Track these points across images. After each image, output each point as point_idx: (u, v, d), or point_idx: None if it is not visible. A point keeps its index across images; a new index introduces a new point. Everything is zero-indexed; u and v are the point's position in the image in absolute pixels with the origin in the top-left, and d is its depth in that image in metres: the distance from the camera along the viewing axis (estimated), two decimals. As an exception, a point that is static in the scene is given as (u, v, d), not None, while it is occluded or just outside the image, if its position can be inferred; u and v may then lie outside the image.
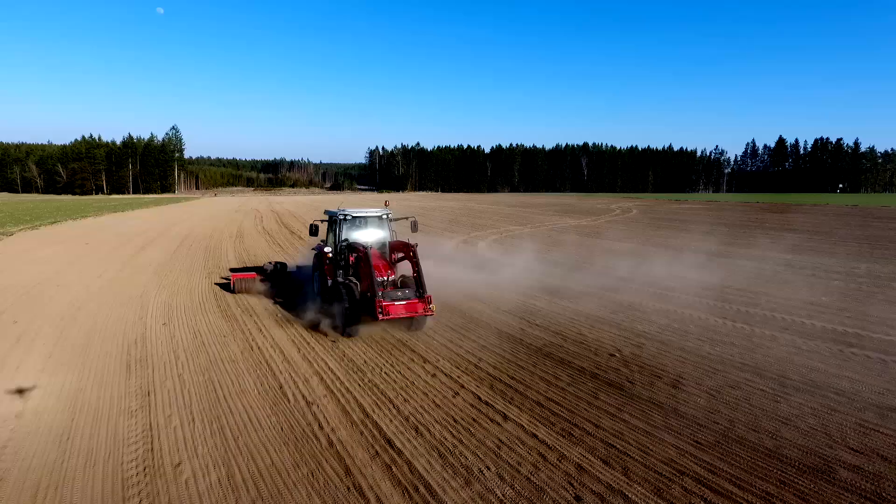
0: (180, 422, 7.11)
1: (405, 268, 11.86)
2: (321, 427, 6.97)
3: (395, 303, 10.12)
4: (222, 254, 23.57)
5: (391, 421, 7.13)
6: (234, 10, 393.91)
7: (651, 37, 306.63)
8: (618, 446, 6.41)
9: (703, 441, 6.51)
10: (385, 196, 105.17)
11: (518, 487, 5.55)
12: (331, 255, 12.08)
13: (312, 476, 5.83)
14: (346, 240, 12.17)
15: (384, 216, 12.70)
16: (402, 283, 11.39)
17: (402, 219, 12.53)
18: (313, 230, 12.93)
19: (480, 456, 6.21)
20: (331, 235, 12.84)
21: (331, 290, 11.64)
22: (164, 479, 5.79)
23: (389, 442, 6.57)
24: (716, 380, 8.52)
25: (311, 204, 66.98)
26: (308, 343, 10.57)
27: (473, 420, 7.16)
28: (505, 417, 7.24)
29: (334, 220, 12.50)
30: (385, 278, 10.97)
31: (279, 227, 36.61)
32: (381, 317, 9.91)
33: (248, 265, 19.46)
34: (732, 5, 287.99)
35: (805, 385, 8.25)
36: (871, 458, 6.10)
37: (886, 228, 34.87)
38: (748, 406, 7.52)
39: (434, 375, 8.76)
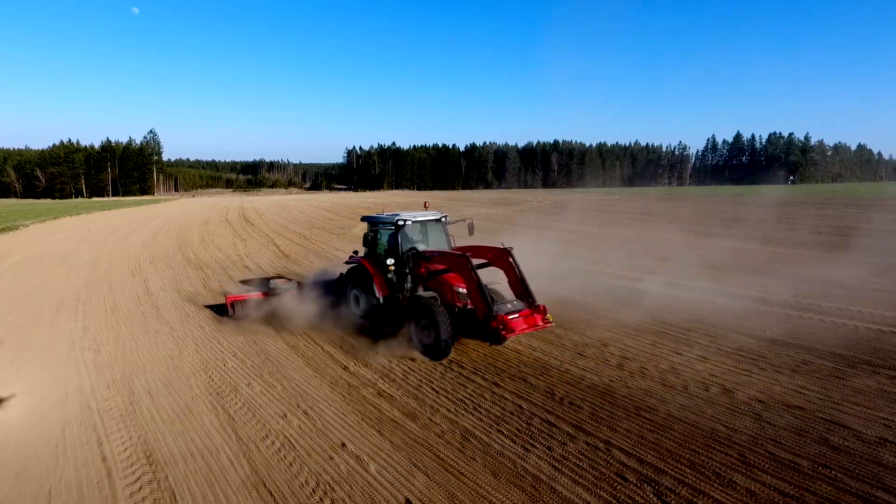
0: (159, 284, 17.23)
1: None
2: (208, 276, 17.04)
3: (509, 316, 9.10)
4: (190, 235, 33.46)
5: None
6: (210, 10, 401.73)
7: (621, 36, 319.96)
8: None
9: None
10: (365, 195, 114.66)
11: None
12: (393, 266, 10.84)
13: (205, 283, 15.90)
14: (414, 248, 11.07)
15: (442, 220, 11.73)
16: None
17: (458, 221, 12.18)
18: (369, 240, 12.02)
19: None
20: (379, 244, 11.82)
21: (398, 307, 10.67)
22: (153, 297, 15.84)
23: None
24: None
25: (279, 203, 76.69)
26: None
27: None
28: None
29: (396, 227, 10.96)
30: (465, 290, 9.88)
31: (239, 218, 46.53)
32: (506, 335, 8.91)
33: (249, 279, 17.70)
34: (693, 7, 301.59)
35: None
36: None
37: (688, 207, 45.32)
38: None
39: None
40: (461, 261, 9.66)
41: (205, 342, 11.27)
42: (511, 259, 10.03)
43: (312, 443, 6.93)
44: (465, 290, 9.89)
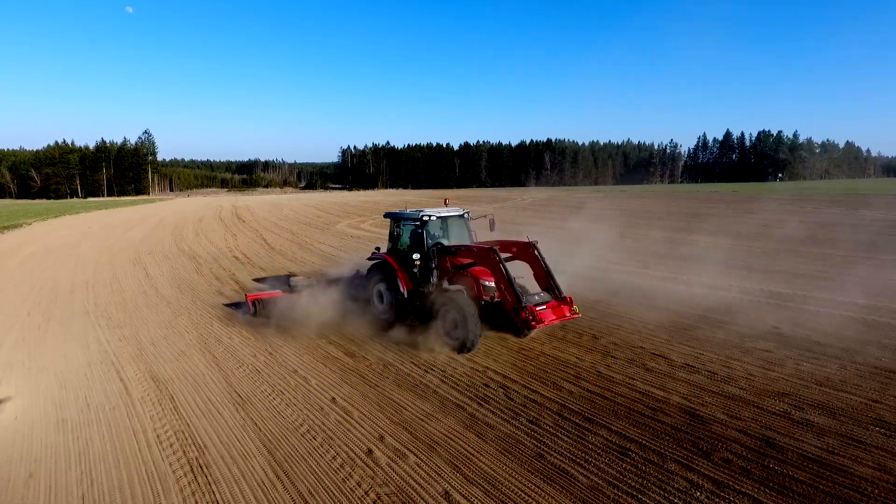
0: (157, 271, 19.84)
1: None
2: (200, 265, 19.63)
3: (537, 308, 9.49)
4: (185, 231, 36.05)
5: (237, 269, 19.84)
6: (205, 10, 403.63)
7: (612, 37, 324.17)
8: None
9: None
10: (357, 194, 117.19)
11: None
12: (419, 261, 11.07)
13: (197, 271, 18.50)
14: (440, 243, 11.41)
15: (465, 215, 12.16)
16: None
17: (479, 218, 12.54)
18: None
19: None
20: (402, 240, 12.07)
21: (423, 301, 10.87)
22: (152, 280, 18.46)
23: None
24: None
25: (272, 201, 79.22)
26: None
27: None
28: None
29: (422, 223, 11.26)
30: (490, 283, 10.28)
31: (232, 216, 49.13)
32: (536, 325, 9.31)
33: (268, 276, 18.18)
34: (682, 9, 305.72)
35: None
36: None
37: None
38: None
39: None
40: (489, 254, 9.95)
41: (196, 311, 13.90)
42: (536, 252, 10.42)
43: (272, 370, 9.57)
44: (491, 284, 10.24)
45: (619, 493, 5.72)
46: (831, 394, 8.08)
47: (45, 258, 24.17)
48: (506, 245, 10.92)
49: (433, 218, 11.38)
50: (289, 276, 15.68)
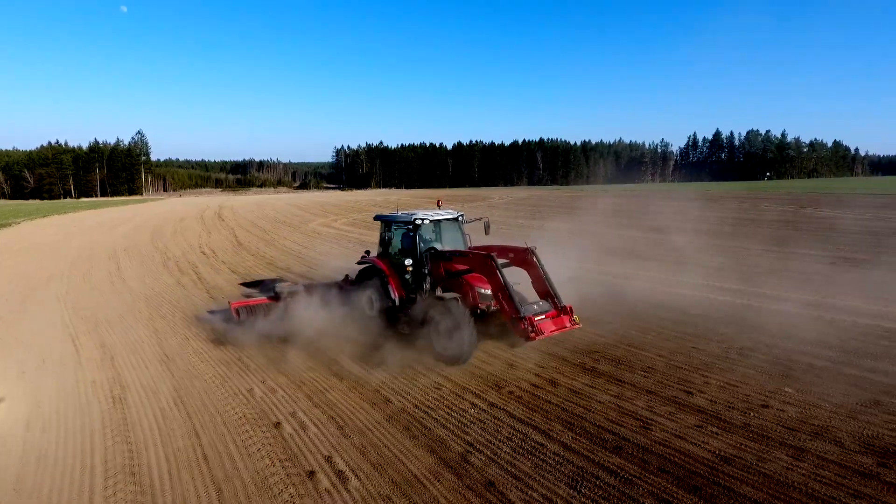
0: (128, 264, 22.13)
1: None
2: (169, 259, 21.88)
3: (536, 318, 9.12)
4: (164, 230, 38.31)
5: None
6: (200, 9, 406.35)
7: (605, 37, 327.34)
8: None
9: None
10: (346, 194, 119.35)
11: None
12: (411, 267, 10.61)
13: (164, 267, 20.76)
14: (433, 248, 11.04)
15: (459, 218, 11.72)
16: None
17: (475, 220, 12.21)
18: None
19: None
20: (393, 244, 11.68)
21: (415, 308, 10.43)
22: (122, 272, 20.71)
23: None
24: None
25: (258, 201, 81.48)
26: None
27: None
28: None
29: (414, 227, 10.82)
30: (487, 291, 9.88)
31: (214, 215, 51.41)
32: (534, 337, 8.89)
33: (250, 280, 16.99)
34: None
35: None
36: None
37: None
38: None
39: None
40: (486, 260, 9.56)
41: (152, 297, 16.18)
42: (535, 259, 10.04)
43: (200, 338, 11.83)
44: (487, 292, 9.83)
45: (418, 411, 7.99)
46: (632, 351, 10.33)
47: (31, 254, 26.42)
48: (502, 250, 10.54)
49: (426, 221, 10.96)
50: (274, 280, 15.11)
